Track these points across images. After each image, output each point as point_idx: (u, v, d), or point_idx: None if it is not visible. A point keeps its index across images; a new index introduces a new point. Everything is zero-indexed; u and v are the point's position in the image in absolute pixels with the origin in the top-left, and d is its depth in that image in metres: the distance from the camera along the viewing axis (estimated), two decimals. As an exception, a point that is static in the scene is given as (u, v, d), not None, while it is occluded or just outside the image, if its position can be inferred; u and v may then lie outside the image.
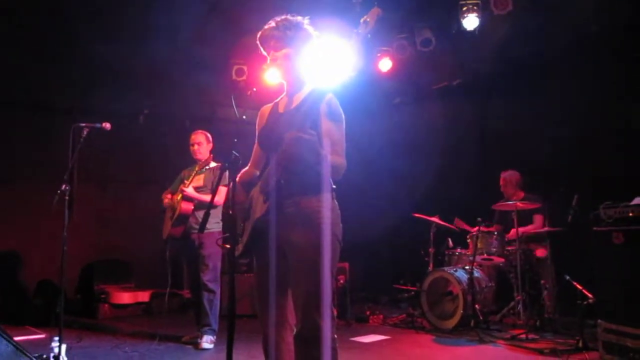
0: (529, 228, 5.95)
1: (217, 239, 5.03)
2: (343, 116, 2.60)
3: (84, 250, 6.94)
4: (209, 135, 5.41)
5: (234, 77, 7.39)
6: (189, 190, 5.07)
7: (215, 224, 5.18)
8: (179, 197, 5.12)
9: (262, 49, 2.70)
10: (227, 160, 2.42)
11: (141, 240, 7.08)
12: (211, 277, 5.10)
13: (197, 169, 5.12)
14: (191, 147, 5.33)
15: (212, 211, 4.87)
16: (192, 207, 5.08)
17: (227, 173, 4.96)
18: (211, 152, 5.35)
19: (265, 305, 2.59)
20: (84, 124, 4.37)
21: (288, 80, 2.71)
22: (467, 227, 6.31)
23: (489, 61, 6.92)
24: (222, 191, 4.97)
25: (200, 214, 5.10)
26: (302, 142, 2.35)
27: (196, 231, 5.08)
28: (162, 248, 5.39)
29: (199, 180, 5.23)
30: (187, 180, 5.19)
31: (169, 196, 5.33)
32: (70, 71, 6.82)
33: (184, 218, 5.09)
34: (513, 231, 5.64)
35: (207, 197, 5.04)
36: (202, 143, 5.32)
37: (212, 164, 5.17)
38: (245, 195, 2.71)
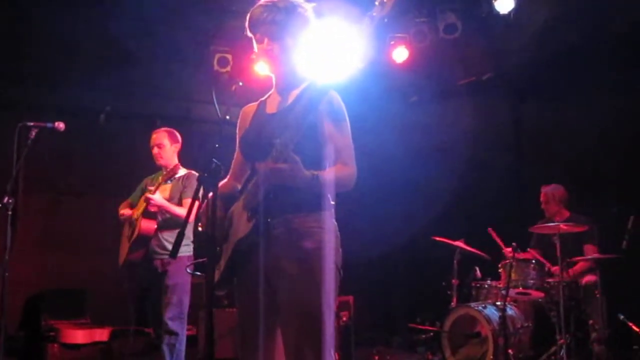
0: (579, 267, 5.93)
1: (186, 265, 4.90)
2: (346, 115, 2.61)
3: (30, 277, 6.92)
4: (175, 133, 5.24)
5: (215, 67, 7.41)
6: (157, 198, 4.83)
7: (184, 247, 4.83)
8: (140, 211, 4.94)
9: (249, 32, 2.70)
10: (207, 169, 2.42)
11: (100, 266, 7.06)
12: (174, 315, 4.84)
13: (160, 179, 4.95)
14: (152, 151, 5.17)
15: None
16: (155, 227, 4.91)
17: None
18: (179, 155, 5.19)
19: (249, 348, 2.58)
20: (32, 123, 4.38)
21: (282, 75, 2.71)
22: (500, 243, 6.27)
23: (527, 52, 6.95)
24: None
25: (166, 235, 4.95)
26: (279, 174, 2.36)
27: (161, 256, 4.92)
28: (120, 276, 5.25)
29: (165, 191, 5.05)
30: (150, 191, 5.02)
31: (128, 210, 5.17)
32: (16, 58, 6.84)
33: (144, 240, 4.89)
34: (557, 268, 5.61)
35: (179, 210, 4.91)
36: (164, 145, 5.12)
37: (182, 172, 5.01)
38: (224, 212, 2.69)
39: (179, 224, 4.77)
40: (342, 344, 6.25)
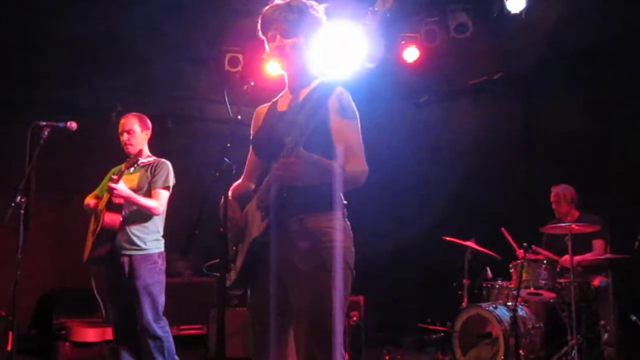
0: (587, 256, 5.90)
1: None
2: (357, 113, 2.62)
3: (42, 275, 6.95)
4: (146, 119, 4.86)
5: (226, 67, 7.43)
6: (120, 187, 4.35)
7: (153, 242, 4.61)
8: (104, 203, 4.49)
9: (261, 33, 2.71)
10: (218, 168, 2.43)
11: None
12: (151, 318, 4.47)
13: (123, 167, 4.47)
14: (121, 137, 4.75)
15: (149, 225, 4.58)
16: (120, 219, 4.45)
17: (170, 171, 4.69)
18: (150, 142, 4.85)
19: (261, 347, 2.59)
20: (44, 123, 4.38)
21: (293, 73, 2.72)
22: (513, 243, 6.25)
23: (538, 51, 6.92)
24: (163, 196, 4.57)
25: (134, 229, 4.53)
26: (294, 168, 2.32)
27: (128, 252, 4.49)
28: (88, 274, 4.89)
29: (132, 181, 4.63)
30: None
31: (93, 200, 4.77)
32: (28, 58, 6.87)
33: (109, 234, 4.44)
34: (566, 257, 5.60)
35: (147, 201, 4.53)
36: (134, 131, 4.71)
37: (149, 158, 4.70)
38: (240, 211, 2.71)
39: (148, 216, 4.56)
40: (353, 343, 6.24)
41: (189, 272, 7.62)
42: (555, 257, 5.90)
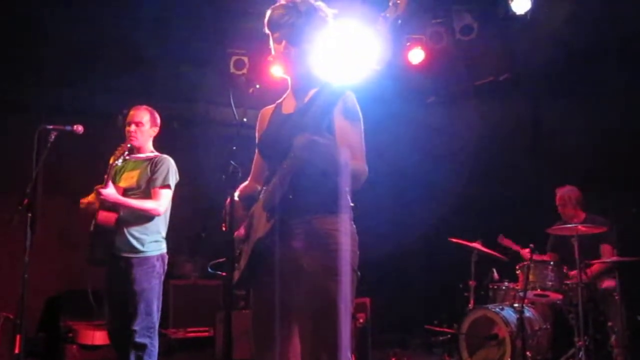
0: (596, 267, 5.88)
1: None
2: (360, 115, 2.63)
3: (49, 278, 6.97)
4: (157, 116, 4.66)
5: (232, 70, 7.44)
6: (108, 192, 4.19)
7: (152, 244, 4.40)
8: (99, 202, 4.33)
9: (267, 29, 2.71)
10: (225, 171, 2.43)
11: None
12: (142, 325, 4.26)
13: (117, 153, 4.33)
14: (127, 128, 4.52)
15: (149, 225, 4.40)
16: (115, 218, 4.27)
17: (171, 168, 4.55)
18: (155, 140, 4.67)
19: (264, 349, 2.60)
20: (51, 126, 4.39)
21: (298, 78, 2.73)
22: (514, 246, 6.24)
23: (544, 52, 6.92)
24: (164, 195, 4.37)
25: (132, 230, 4.33)
26: (316, 147, 2.35)
27: (125, 254, 4.29)
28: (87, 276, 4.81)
29: (132, 177, 4.47)
30: (117, 177, 4.44)
31: (89, 198, 4.54)
32: (35, 62, 6.90)
33: (104, 233, 4.28)
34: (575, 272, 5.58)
35: (140, 204, 4.35)
36: (143, 124, 4.51)
37: (150, 153, 4.53)
38: (245, 212, 2.72)
39: (148, 216, 4.37)
40: (359, 345, 6.24)
41: (196, 275, 7.63)
42: (565, 269, 5.85)
